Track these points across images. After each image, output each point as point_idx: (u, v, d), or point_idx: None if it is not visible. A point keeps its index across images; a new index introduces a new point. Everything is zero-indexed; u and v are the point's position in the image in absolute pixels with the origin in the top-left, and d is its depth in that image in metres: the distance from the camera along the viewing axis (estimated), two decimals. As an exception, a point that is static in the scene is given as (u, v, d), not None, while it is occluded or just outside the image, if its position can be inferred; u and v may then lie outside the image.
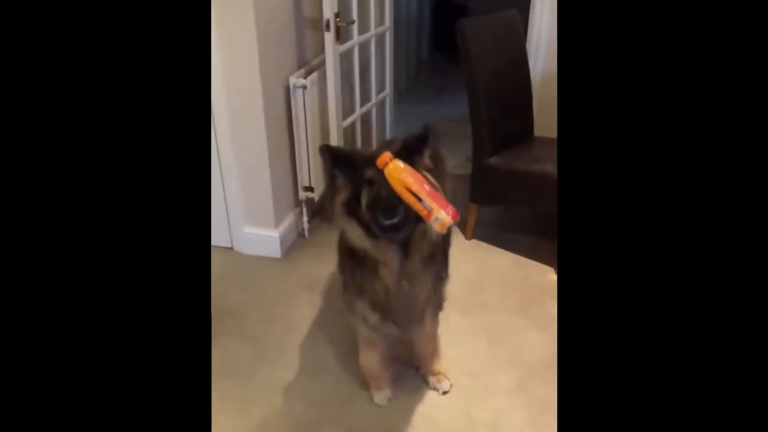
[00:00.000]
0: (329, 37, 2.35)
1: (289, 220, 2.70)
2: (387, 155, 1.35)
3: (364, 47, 2.84)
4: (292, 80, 2.47)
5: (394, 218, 1.40)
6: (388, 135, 3.44)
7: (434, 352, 1.89)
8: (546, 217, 2.62)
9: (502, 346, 2.09)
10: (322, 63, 2.50)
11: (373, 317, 1.63)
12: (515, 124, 2.71)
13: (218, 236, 2.66)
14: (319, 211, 2.86)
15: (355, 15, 2.61)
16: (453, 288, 2.34)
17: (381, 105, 3.24)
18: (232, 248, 2.69)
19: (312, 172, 2.67)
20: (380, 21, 2.99)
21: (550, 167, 2.35)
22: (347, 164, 1.48)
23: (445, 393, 1.87)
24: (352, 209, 1.47)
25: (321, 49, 2.49)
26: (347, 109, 2.74)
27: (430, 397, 1.87)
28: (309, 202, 2.74)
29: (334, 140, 2.57)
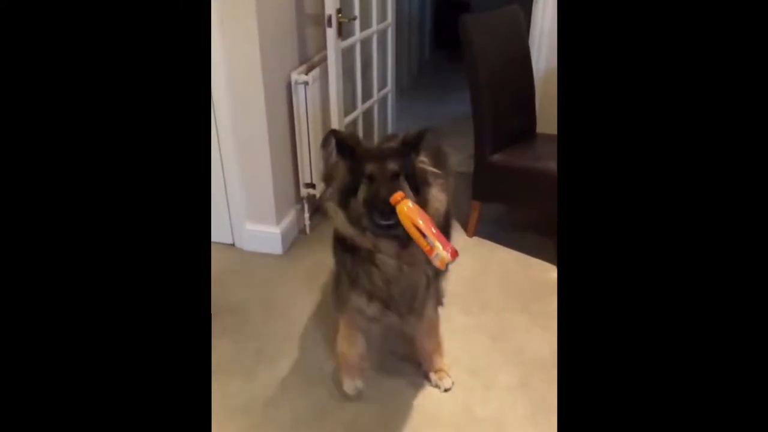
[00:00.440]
0: (331, 33, 2.35)
1: (290, 217, 2.70)
2: (400, 194, 1.43)
3: (366, 43, 2.83)
4: (294, 76, 2.47)
5: (391, 220, 1.43)
6: (390, 132, 3.43)
7: (436, 348, 1.89)
8: (548, 215, 2.61)
9: (504, 343, 2.09)
10: (324, 59, 2.49)
11: (372, 308, 1.62)
12: (518, 121, 2.70)
13: (220, 233, 2.65)
14: (320, 208, 2.85)
15: (357, 11, 2.60)
16: (455, 286, 2.34)
17: (383, 102, 3.23)
18: (233, 245, 2.69)
19: (313, 169, 2.66)
20: (382, 17, 2.98)
21: (553, 164, 2.34)
22: (350, 154, 1.51)
23: (446, 390, 1.87)
24: (345, 198, 1.50)
25: (323, 45, 2.48)
26: (349, 106, 2.73)
27: (432, 394, 1.87)
28: (310, 198, 2.73)
29: (336, 137, 2.56)
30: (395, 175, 1.47)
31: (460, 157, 3.35)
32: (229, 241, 2.68)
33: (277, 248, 2.62)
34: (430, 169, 1.56)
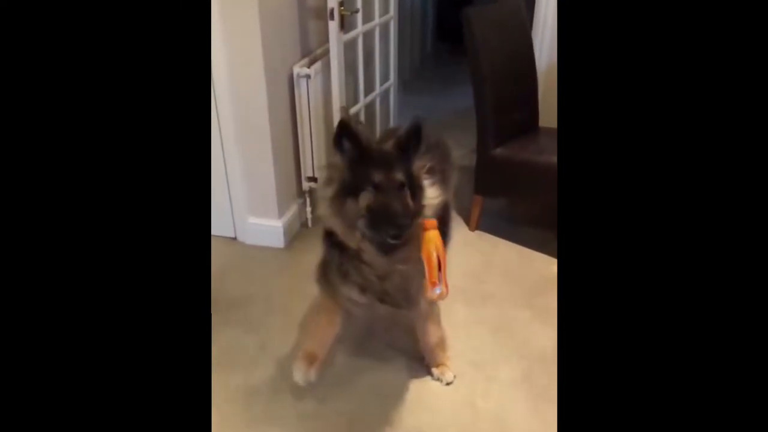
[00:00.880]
0: (333, 26, 2.34)
1: (292, 211, 2.70)
2: (432, 222, 1.47)
3: (368, 36, 2.82)
4: (296, 69, 2.46)
5: (399, 239, 1.41)
6: (392, 125, 3.43)
7: (439, 343, 1.88)
8: (551, 209, 2.60)
9: (506, 337, 2.09)
10: (326, 52, 2.48)
11: (364, 299, 1.62)
12: (520, 115, 2.69)
13: (222, 226, 2.65)
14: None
15: (359, 4, 2.58)
16: (457, 279, 2.33)
17: (385, 95, 3.22)
18: (235, 238, 2.69)
19: (315, 162, 2.66)
20: (384, 10, 2.96)
21: (555, 158, 2.33)
22: (356, 153, 1.46)
23: (448, 384, 1.87)
24: (342, 196, 1.45)
25: (325, 38, 2.47)
26: (351, 99, 2.72)
27: (434, 387, 1.87)
28: (312, 192, 2.73)
29: (338, 130, 2.55)
30: (401, 185, 1.45)
31: (463, 151, 3.34)
32: (231, 235, 2.69)
33: (279, 242, 2.63)
34: (424, 173, 1.55)
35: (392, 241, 1.42)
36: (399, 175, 1.44)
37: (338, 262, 1.59)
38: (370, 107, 3.01)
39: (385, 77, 3.16)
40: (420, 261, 1.49)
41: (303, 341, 1.87)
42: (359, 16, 2.62)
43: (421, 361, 1.93)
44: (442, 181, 1.91)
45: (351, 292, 1.62)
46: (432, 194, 1.55)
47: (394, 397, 1.83)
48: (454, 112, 4.32)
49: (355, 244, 1.50)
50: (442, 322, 1.88)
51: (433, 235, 1.47)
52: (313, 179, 2.69)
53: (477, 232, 2.76)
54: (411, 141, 1.48)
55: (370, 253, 1.50)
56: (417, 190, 1.50)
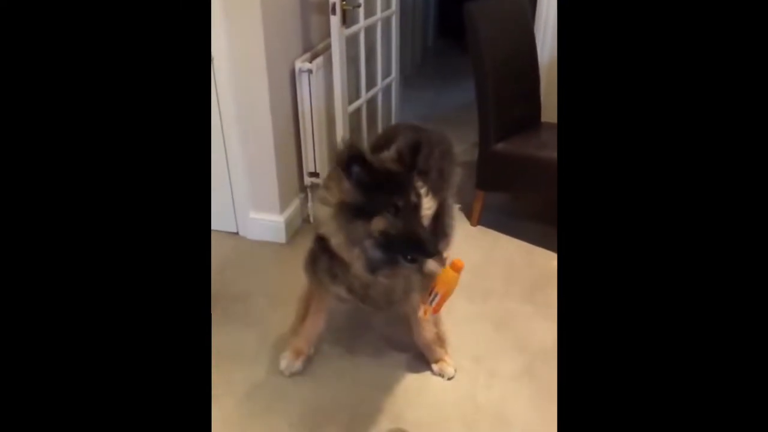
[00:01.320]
0: (335, 20, 2.33)
1: (294, 206, 2.70)
2: (462, 265, 1.54)
3: (370, 31, 2.81)
4: (298, 64, 2.46)
5: (417, 262, 1.46)
6: (394, 120, 3.42)
7: (435, 339, 1.88)
8: (553, 204, 2.60)
9: (507, 332, 2.09)
10: (328, 47, 2.48)
11: (350, 297, 1.64)
12: (522, 110, 2.69)
13: (224, 221, 2.66)
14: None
15: (361, -2, 2.58)
16: (459, 274, 2.34)
17: (387, 90, 3.22)
18: (237, 233, 2.69)
19: (317, 158, 2.66)
20: (386, 5, 2.95)
21: (557, 153, 2.33)
22: (370, 178, 1.42)
23: (450, 379, 1.87)
24: (350, 215, 1.43)
25: (327, 32, 2.47)
26: (353, 94, 2.72)
27: (436, 382, 1.88)
28: (314, 187, 2.73)
29: (340, 125, 2.55)
30: (416, 207, 1.46)
31: (464, 146, 3.34)
32: (233, 230, 2.69)
33: (281, 237, 2.63)
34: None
35: (407, 264, 1.46)
36: (413, 197, 1.46)
37: (328, 265, 1.60)
38: (371, 102, 3.01)
39: (386, 72, 3.15)
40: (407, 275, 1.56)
41: (291, 334, 1.92)
42: (361, 11, 2.61)
43: (422, 355, 1.94)
44: (443, 179, 1.91)
45: (338, 290, 1.65)
46: (426, 205, 1.56)
47: (396, 392, 1.84)
48: (455, 107, 4.32)
49: (350, 259, 1.49)
50: (444, 317, 1.89)
51: (456, 278, 1.55)
52: (314, 174, 2.69)
53: (478, 227, 2.76)
54: (414, 159, 1.49)
55: (358, 268, 1.50)
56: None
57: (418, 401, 1.81)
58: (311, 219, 2.76)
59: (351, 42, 2.57)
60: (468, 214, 2.79)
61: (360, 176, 1.41)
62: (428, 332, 1.86)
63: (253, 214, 2.63)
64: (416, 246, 1.42)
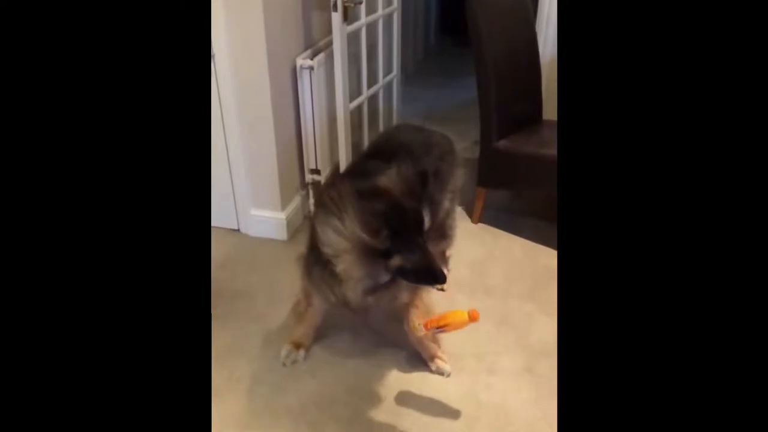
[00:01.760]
0: (336, 17, 2.33)
1: (295, 203, 2.70)
2: (478, 316, 1.61)
3: (371, 28, 2.81)
4: (299, 61, 2.45)
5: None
6: (395, 118, 3.42)
7: (431, 341, 1.88)
8: (553, 201, 2.60)
9: (508, 329, 2.09)
10: (330, 44, 2.47)
11: (339, 303, 1.66)
12: (524, 107, 2.68)
13: (225, 218, 2.66)
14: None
15: (362, -5, 2.57)
16: (459, 271, 2.34)
17: (388, 87, 3.21)
18: (238, 230, 2.69)
19: (318, 155, 2.65)
20: (388, 2, 2.95)
21: (559, 151, 2.32)
22: (401, 226, 1.41)
23: (448, 375, 1.87)
24: (367, 256, 1.42)
25: (328, 29, 2.47)
26: (354, 91, 2.71)
27: (436, 380, 1.88)
28: (315, 184, 2.73)
29: (341, 122, 2.55)
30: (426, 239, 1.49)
31: (466, 143, 3.34)
32: (234, 227, 2.69)
33: (282, 234, 2.63)
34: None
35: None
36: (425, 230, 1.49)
37: (321, 274, 1.61)
38: (373, 99, 3.00)
39: (388, 69, 3.15)
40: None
41: (292, 328, 1.98)
42: (362, 8, 2.61)
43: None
44: (441, 180, 1.91)
45: (332, 297, 1.66)
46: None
47: (397, 388, 1.84)
48: (457, 105, 4.31)
49: (352, 285, 1.50)
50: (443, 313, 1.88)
51: (466, 323, 1.63)
52: (315, 171, 2.69)
53: (480, 224, 2.76)
54: (424, 191, 1.52)
55: (356, 293, 1.52)
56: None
57: (419, 397, 1.81)
58: (311, 216, 2.76)
59: (352, 39, 2.57)
60: (469, 211, 2.79)
61: (392, 225, 1.40)
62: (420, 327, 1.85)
63: (254, 211, 2.63)
64: (429, 277, 1.46)
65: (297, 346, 1.95)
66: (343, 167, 2.57)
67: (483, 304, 2.22)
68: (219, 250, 2.52)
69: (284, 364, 1.92)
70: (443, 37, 6.14)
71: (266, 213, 2.61)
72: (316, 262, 1.61)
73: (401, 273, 1.45)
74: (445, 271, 2.07)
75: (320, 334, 2.05)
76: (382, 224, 1.37)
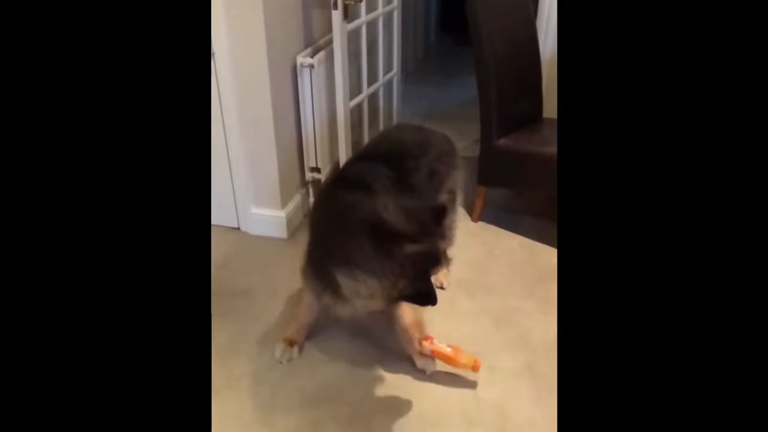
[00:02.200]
0: (337, 15, 2.32)
1: (295, 201, 2.70)
2: (480, 367, 1.80)
3: (371, 26, 2.80)
4: (299, 59, 2.45)
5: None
6: (395, 116, 3.42)
7: (413, 324, 1.86)
8: (554, 200, 2.60)
9: (508, 328, 2.09)
10: (330, 42, 2.47)
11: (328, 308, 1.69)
12: (524, 106, 2.68)
13: (225, 216, 2.66)
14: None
15: (362, -7, 2.57)
16: (459, 270, 2.34)
17: (388, 85, 3.21)
18: (238, 228, 2.69)
19: (319, 153, 2.65)
20: (388, 0, 2.95)
21: (560, 149, 2.32)
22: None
23: (431, 373, 1.86)
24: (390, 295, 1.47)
25: (328, 27, 2.46)
26: (354, 89, 2.71)
27: (437, 377, 1.88)
28: (316, 183, 2.73)
29: (341, 120, 2.55)
30: None
31: (466, 142, 3.33)
32: (234, 225, 2.69)
33: (282, 232, 2.63)
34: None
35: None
36: None
37: (315, 274, 1.64)
38: (373, 98, 3.00)
39: (388, 67, 3.15)
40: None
41: (287, 325, 1.99)
42: (363, 6, 2.60)
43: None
44: (438, 180, 1.91)
45: (328, 301, 1.66)
46: None
47: (397, 387, 1.84)
48: (457, 103, 4.31)
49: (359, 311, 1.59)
50: (445, 312, 1.88)
51: (464, 367, 1.79)
52: (316, 170, 2.68)
53: (480, 223, 2.76)
54: (439, 227, 1.56)
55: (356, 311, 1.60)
56: None
57: (419, 396, 1.81)
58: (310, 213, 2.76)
59: (352, 37, 2.56)
60: (469, 210, 2.79)
61: (409, 275, 1.43)
62: (406, 316, 1.84)
63: (254, 210, 2.63)
64: (426, 300, 1.49)
65: (290, 343, 1.95)
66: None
67: (483, 303, 2.22)
68: (219, 248, 2.52)
69: (281, 362, 1.92)
70: (443, 35, 6.13)
71: (266, 211, 2.61)
72: (311, 261, 1.63)
73: (404, 298, 1.50)
74: (445, 272, 2.09)
75: (320, 333, 2.05)
76: (399, 276, 1.42)
